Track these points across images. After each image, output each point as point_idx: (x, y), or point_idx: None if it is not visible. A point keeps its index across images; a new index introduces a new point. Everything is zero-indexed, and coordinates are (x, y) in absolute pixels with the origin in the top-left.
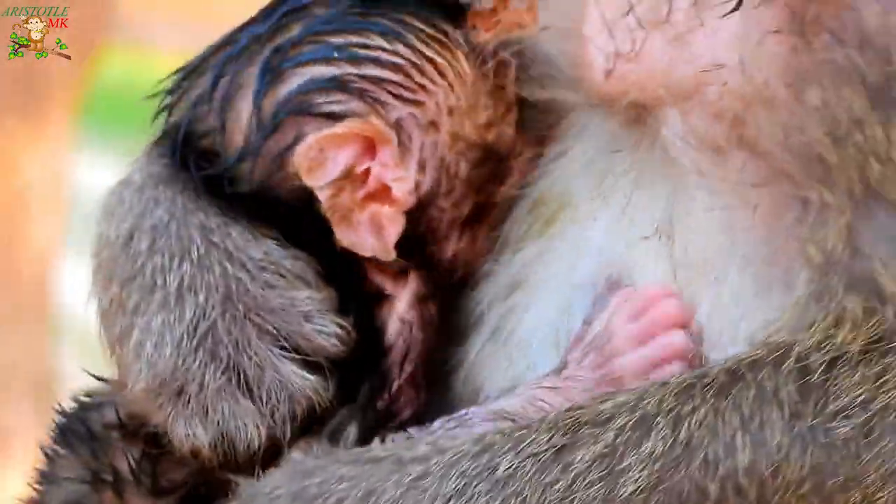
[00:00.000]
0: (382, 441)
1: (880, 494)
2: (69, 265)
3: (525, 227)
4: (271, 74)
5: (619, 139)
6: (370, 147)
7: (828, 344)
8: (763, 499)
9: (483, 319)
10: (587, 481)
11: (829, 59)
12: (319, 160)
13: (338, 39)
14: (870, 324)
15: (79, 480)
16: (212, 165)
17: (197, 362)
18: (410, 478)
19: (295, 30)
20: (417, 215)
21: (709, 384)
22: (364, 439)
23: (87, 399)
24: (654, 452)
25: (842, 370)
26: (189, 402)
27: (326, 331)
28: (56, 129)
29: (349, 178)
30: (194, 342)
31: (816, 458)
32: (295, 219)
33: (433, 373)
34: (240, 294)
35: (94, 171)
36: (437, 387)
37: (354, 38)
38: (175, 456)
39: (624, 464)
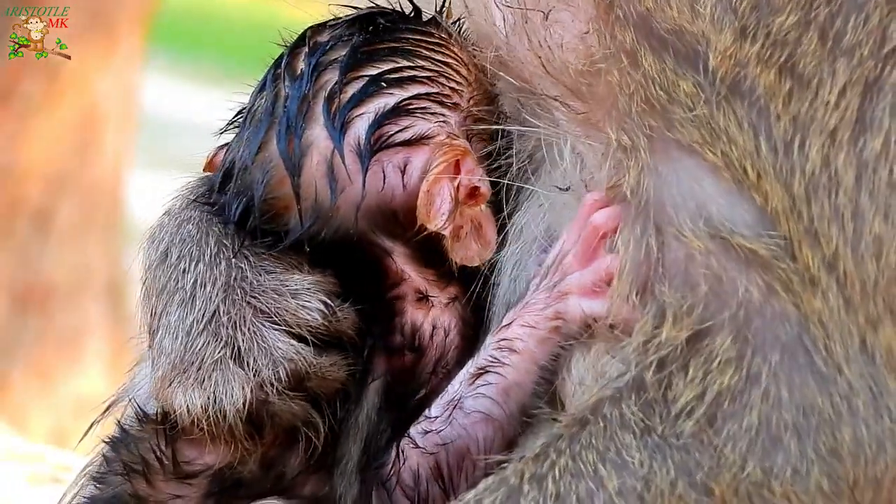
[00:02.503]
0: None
1: (746, 470)
2: (139, 174)
3: None
4: (338, 124)
5: (526, 103)
6: (457, 165)
7: (652, 343)
8: None
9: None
10: None
11: (600, 2)
12: (432, 203)
13: (371, 70)
14: (688, 311)
15: (117, 474)
16: (275, 226)
17: (202, 343)
18: None
19: (331, 76)
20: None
21: (559, 438)
22: (396, 434)
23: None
24: None
25: (673, 370)
26: (191, 377)
27: (310, 306)
28: (126, 47)
29: (454, 202)
30: (201, 327)
31: (677, 459)
32: (348, 253)
33: None
34: (239, 280)
35: (162, 86)
36: None
37: (384, 66)
38: (193, 439)
39: None
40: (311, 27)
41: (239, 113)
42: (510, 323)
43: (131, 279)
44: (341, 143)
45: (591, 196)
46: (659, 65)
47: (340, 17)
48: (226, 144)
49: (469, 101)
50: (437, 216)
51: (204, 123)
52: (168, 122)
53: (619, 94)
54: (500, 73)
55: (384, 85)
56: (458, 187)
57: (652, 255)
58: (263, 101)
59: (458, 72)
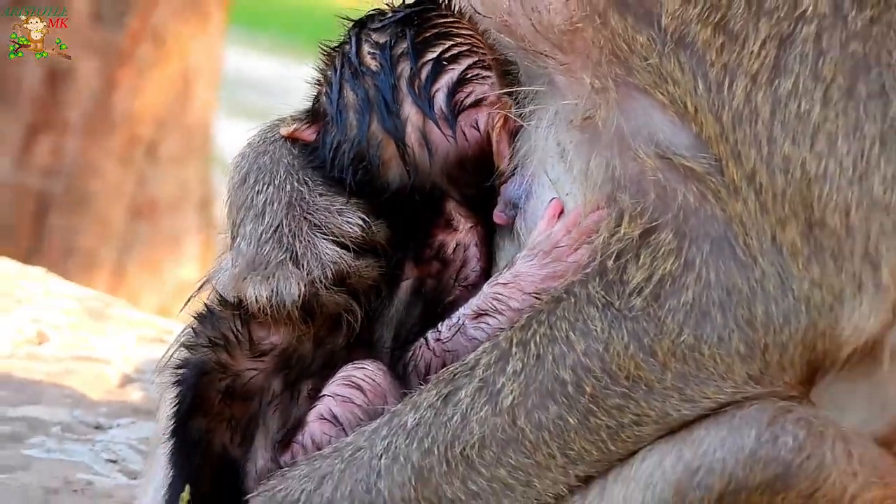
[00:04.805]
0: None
1: (682, 337)
2: (222, 118)
3: None
4: (425, 100)
5: (525, 57)
6: (507, 116)
7: (613, 238)
8: (607, 369)
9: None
10: (475, 407)
11: None
12: (500, 150)
13: (432, 55)
14: (640, 213)
15: (203, 346)
16: (378, 186)
17: (268, 248)
18: (348, 454)
19: (405, 65)
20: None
21: (541, 312)
22: (422, 328)
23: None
24: (516, 370)
25: (628, 257)
26: (259, 274)
27: (351, 221)
28: (213, 23)
29: (510, 144)
30: (268, 236)
31: (630, 328)
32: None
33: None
34: (299, 200)
35: (241, 56)
36: None
37: (438, 49)
38: (262, 322)
39: (498, 385)
40: (354, 31)
41: (315, 102)
42: (507, 283)
43: (217, 196)
44: (433, 114)
45: (584, 208)
46: (623, 23)
47: (381, 17)
48: (306, 122)
49: (493, 60)
50: (504, 158)
51: (270, 83)
52: (244, 82)
53: (592, 47)
54: (505, 36)
55: (445, 63)
56: (510, 131)
57: (616, 172)
58: (352, 94)
59: (479, 40)
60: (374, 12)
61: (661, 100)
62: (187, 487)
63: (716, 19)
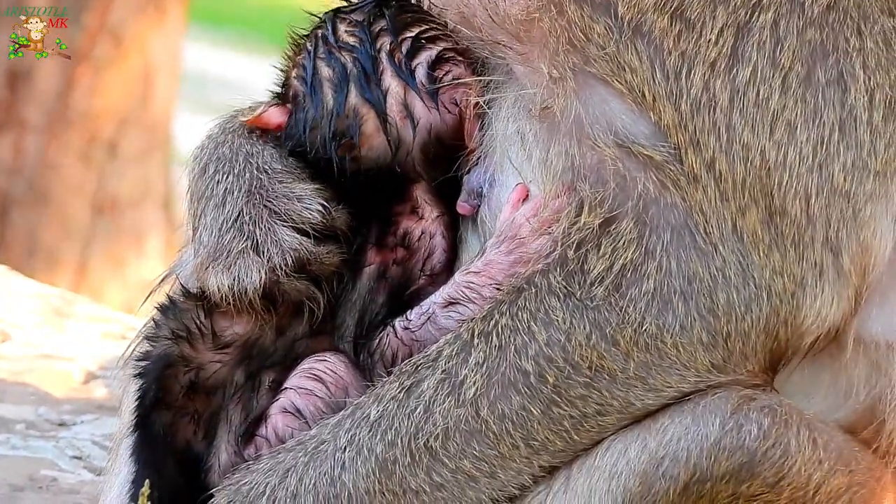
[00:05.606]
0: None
1: (644, 326)
2: (182, 115)
3: None
4: (407, 71)
5: (483, 48)
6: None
7: (573, 227)
8: (569, 359)
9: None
10: (438, 399)
11: None
12: (471, 129)
13: (410, 33)
14: (600, 202)
15: (166, 338)
16: (354, 163)
17: (230, 237)
18: (312, 447)
19: (385, 39)
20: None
21: (502, 303)
22: (387, 316)
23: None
24: (478, 361)
25: (588, 247)
26: (220, 263)
27: (311, 208)
28: (172, 20)
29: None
30: (229, 224)
31: (591, 317)
32: (383, 179)
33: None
34: (259, 188)
35: (200, 52)
36: None
37: (416, 29)
38: (224, 312)
39: (460, 377)
40: (328, 15)
41: (283, 86)
42: (479, 271)
43: (179, 192)
44: (416, 86)
45: (545, 196)
46: (579, 12)
47: (355, 3)
48: (273, 104)
49: (460, 46)
50: (473, 139)
51: (230, 79)
52: (203, 78)
53: (549, 36)
54: (462, 27)
55: (423, 42)
56: (477, 116)
57: (575, 161)
58: (328, 70)
59: (447, 27)
60: (345, 3)
61: (619, 88)
62: (147, 482)
63: (672, 7)
